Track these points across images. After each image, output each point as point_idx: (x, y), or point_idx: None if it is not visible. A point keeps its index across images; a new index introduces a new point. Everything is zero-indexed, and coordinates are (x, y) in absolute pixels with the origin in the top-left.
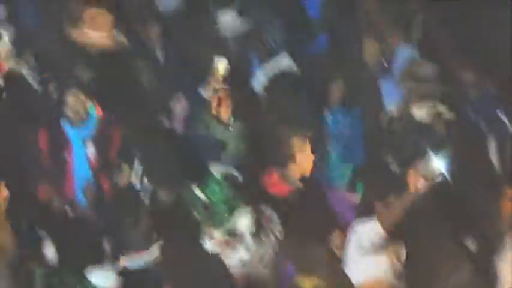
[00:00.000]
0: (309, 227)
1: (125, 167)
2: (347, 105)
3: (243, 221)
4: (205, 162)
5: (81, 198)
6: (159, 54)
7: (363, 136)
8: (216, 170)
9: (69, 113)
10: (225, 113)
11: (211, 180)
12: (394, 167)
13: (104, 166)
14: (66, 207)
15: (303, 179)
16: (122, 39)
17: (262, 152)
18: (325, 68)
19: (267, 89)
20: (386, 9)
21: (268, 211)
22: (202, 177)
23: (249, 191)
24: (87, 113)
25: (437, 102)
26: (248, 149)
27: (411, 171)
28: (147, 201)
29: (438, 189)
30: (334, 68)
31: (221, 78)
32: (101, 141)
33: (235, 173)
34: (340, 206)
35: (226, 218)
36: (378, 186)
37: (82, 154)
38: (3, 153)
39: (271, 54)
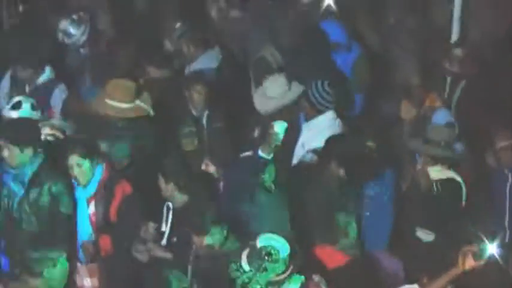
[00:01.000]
0: None
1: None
2: (381, 169)
3: None
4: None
5: (80, 254)
6: (204, 120)
7: (396, 200)
8: (261, 242)
9: (73, 174)
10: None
11: (256, 252)
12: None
13: (104, 224)
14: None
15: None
16: (146, 108)
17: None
18: (360, 129)
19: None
20: (427, 73)
21: (317, 279)
22: (247, 249)
23: (301, 262)
24: (93, 174)
25: (447, 166)
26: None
27: (462, 248)
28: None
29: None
30: (368, 129)
31: (279, 141)
32: (101, 200)
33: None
34: (393, 270)
35: None
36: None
37: (85, 212)
38: None
39: (318, 113)
